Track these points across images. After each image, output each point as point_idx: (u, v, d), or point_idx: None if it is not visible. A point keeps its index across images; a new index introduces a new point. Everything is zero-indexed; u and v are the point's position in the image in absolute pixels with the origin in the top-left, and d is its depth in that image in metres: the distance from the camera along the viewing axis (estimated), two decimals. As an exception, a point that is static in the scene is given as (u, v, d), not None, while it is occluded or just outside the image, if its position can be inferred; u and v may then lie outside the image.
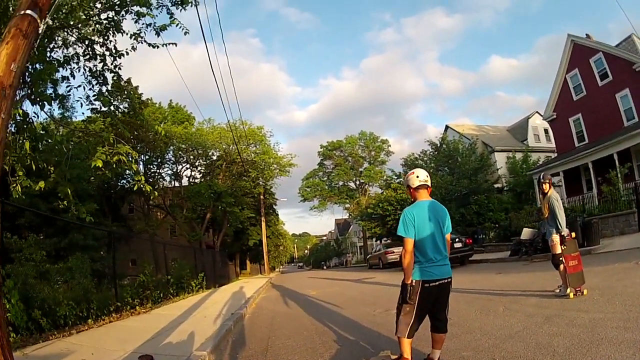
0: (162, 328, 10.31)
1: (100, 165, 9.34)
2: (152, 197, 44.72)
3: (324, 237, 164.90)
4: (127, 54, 11.53)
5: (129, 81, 38.38)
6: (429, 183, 5.77)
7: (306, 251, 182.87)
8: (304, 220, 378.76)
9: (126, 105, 34.21)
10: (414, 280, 5.31)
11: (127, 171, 41.67)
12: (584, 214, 22.85)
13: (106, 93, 12.07)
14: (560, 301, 9.31)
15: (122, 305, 13.39)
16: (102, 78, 11.87)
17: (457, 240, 25.01)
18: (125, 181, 43.34)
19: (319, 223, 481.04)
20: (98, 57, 11.49)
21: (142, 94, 40.04)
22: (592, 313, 7.71)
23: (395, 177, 51.50)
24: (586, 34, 36.31)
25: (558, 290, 10.09)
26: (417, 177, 5.72)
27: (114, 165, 10.34)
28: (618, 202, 23.60)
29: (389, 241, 44.69)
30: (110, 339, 9.24)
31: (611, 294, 9.05)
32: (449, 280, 5.48)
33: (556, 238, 10.07)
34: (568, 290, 9.68)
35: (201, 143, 45.59)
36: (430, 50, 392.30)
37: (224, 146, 46.66)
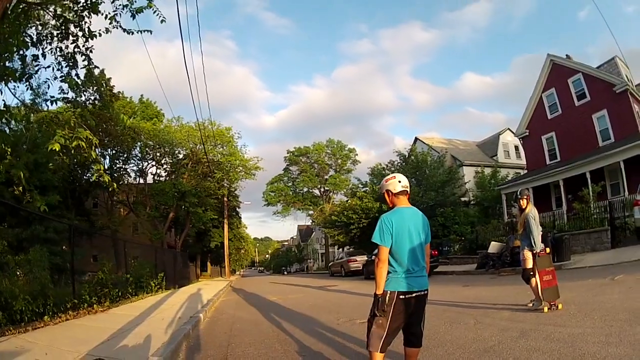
0: (118, 329, 9.77)
1: (57, 149, 8.77)
2: (115, 192, 44.05)
3: (286, 243, 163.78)
4: (100, 35, 11.05)
5: (102, 72, 37.97)
6: (409, 189, 5.35)
7: (267, 256, 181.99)
8: (267, 225, 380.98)
9: (97, 96, 33.76)
10: (388, 292, 4.86)
11: (91, 163, 41.68)
12: (554, 230, 22.75)
13: (75, 77, 11.39)
14: (535, 315, 8.96)
15: (79, 303, 12.84)
16: (72, 60, 11.33)
17: None
18: (89, 174, 42.42)
19: (282, 228, 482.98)
20: (71, 36, 10.96)
21: (114, 86, 39.47)
22: (571, 328, 7.39)
23: (362, 186, 51.18)
24: (566, 55, 36.76)
25: (531, 305, 9.85)
26: (400, 182, 5.27)
27: (73, 151, 9.68)
28: (590, 220, 23.52)
29: (351, 249, 44.71)
30: (66, 338, 8.71)
31: (588, 309, 8.67)
32: (426, 292, 5.07)
33: (528, 254, 9.90)
34: (542, 305, 9.44)
35: (168, 140, 44.89)
36: (404, 63, 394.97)
37: (191, 145, 46.09)
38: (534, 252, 9.74)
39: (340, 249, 54.52)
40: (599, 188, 26.14)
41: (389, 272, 4.92)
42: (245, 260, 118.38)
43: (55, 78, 11.04)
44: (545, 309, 9.22)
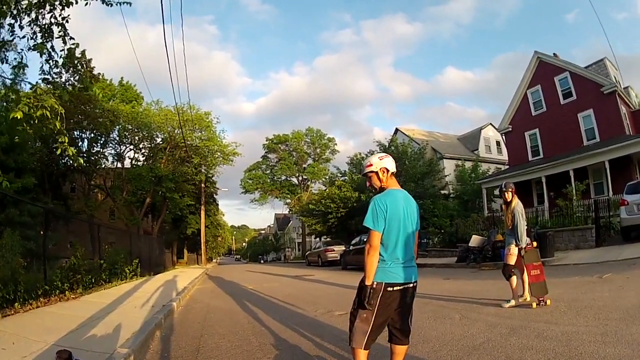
0: (88, 318, 9.46)
1: (20, 117, 8.26)
2: (92, 176, 44.25)
3: (263, 231, 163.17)
4: (77, 2, 10.59)
5: (83, 53, 37.47)
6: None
7: (244, 244, 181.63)
8: (244, 213, 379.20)
9: (77, 77, 33.06)
10: (375, 282, 4.34)
11: (56, 135, 41.23)
12: (537, 226, 22.30)
13: (50, 49, 10.93)
14: (523, 311, 8.64)
15: (50, 290, 12.45)
16: (48, 31, 10.80)
17: None
18: (68, 157, 41.90)
19: (259, 217, 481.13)
20: (48, 4, 10.49)
21: (94, 67, 39.47)
22: (563, 325, 7.06)
23: (340, 175, 50.94)
24: (554, 53, 36.64)
25: (506, 302, 9.44)
26: (393, 160, 4.86)
27: (36, 121, 9.20)
28: (573, 217, 23.36)
29: (329, 239, 44.28)
30: (35, 327, 8.47)
31: (579, 306, 8.37)
32: (415, 284, 4.59)
33: (514, 249, 9.52)
34: (529, 299, 9.35)
35: (146, 124, 44.12)
36: (386, 54, 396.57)
37: (169, 129, 45.34)
38: (520, 247, 9.39)
39: (318, 239, 54.10)
40: (583, 186, 26.15)
41: None
42: (222, 248, 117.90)
43: (30, 49, 10.52)
44: (534, 305, 8.94)
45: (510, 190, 9.70)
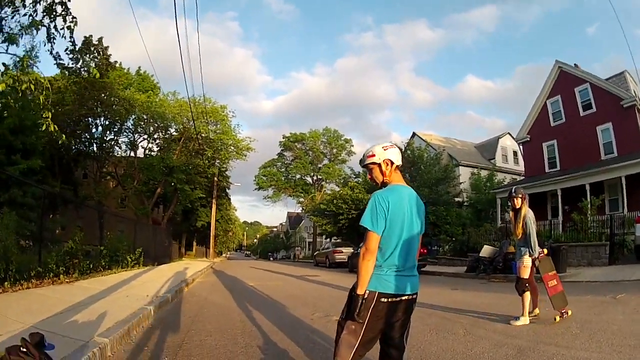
0: (76, 302, 9.38)
1: (3, 89, 7.98)
2: (104, 163, 44.80)
3: (275, 229, 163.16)
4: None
5: (100, 40, 37.51)
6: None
7: (255, 240, 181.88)
8: (257, 210, 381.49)
9: (93, 65, 32.94)
10: (367, 291, 3.75)
11: (81, 133, 41.08)
12: (551, 240, 21.95)
13: (54, 29, 10.76)
14: (532, 331, 8.02)
15: (45, 272, 12.54)
16: (50, 9, 10.63)
17: None
18: (80, 143, 42.92)
19: (272, 214, 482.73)
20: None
21: (110, 54, 39.57)
22: (575, 350, 6.49)
23: (354, 176, 50.86)
24: (574, 64, 35.98)
25: (515, 320, 8.77)
26: (399, 152, 4.24)
27: (20, 94, 8.98)
28: (587, 233, 22.79)
29: (339, 240, 43.83)
30: (19, 307, 8.52)
31: (593, 329, 7.79)
32: (414, 296, 3.98)
33: (528, 260, 8.94)
34: (535, 312, 9.07)
35: (161, 114, 44.07)
36: (407, 59, 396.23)
37: (184, 120, 45.28)
38: (534, 257, 8.86)
39: (328, 239, 53.58)
40: (599, 201, 25.45)
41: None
42: (233, 243, 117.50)
43: (30, 26, 10.36)
44: (557, 318, 8.55)
45: (520, 196, 9.11)
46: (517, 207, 9.10)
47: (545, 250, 9.33)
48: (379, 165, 4.09)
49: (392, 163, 4.09)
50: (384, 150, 4.13)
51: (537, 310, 9.11)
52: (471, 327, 8.57)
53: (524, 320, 8.60)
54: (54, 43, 11.55)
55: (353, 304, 3.77)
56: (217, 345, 7.17)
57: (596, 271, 18.12)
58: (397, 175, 4.13)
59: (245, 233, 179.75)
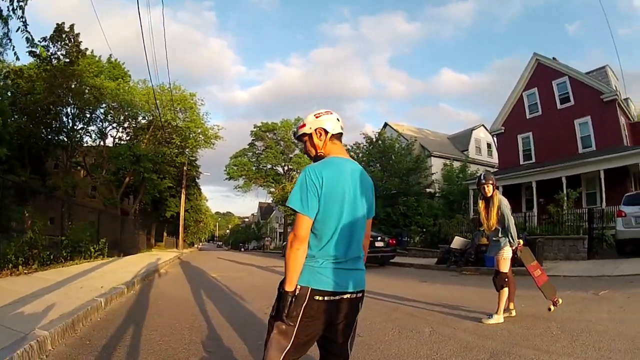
0: (29, 294, 9.18)
1: None
2: (74, 154, 44.19)
3: (247, 219, 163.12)
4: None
5: (71, 27, 36.86)
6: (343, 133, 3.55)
7: (228, 231, 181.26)
8: (230, 200, 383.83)
9: (63, 52, 32.48)
10: (299, 287, 3.02)
11: (51, 122, 40.33)
12: (526, 232, 21.21)
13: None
14: (507, 330, 7.11)
15: (3, 263, 12.48)
16: None
17: (379, 238, 23.10)
18: (50, 132, 42.49)
19: (244, 204, 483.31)
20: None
21: (81, 42, 38.96)
22: (557, 355, 5.65)
23: None
24: (553, 57, 35.77)
25: (487, 317, 7.89)
26: (338, 120, 3.47)
27: None
28: (564, 226, 22.28)
29: None
30: None
31: (575, 329, 6.87)
32: (359, 295, 3.25)
33: (508, 252, 8.02)
34: (510, 310, 8.18)
35: (130, 102, 43.79)
36: (383, 52, 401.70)
37: (152, 108, 44.54)
38: (515, 248, 7.99)
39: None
40: (576, 194, 24.90)
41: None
42: (204, 234, 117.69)
43: None
44: (552, 308, 8.04)
45: (491, 182, 8.18)
46: (489, 195, 8.22)
47: (521, 241, 8.40)
48: (310, 135, 3.47)
49: (326, 132, 3.41)
50: (316, 118, 3.47)
51: (512, 307, 8.22)
52: (438, 325, 7.72)
53: (498, 318, 7.71)
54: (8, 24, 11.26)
55: (282, 302, 3.03)
56: (160, 341, 6.70)
57: (574, 265, 17.43)
58: (335, 147, 3.44)
59: (217, 224, 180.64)
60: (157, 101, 40.60)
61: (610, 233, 20.66)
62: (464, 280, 15.76)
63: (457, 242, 21.15)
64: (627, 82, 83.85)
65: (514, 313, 8.12)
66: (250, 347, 6.33)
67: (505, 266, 7.99)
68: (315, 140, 3.41)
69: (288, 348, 3.04)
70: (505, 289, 7.90)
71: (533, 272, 8.16)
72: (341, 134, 3.48)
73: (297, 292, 2.99)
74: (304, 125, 3.49)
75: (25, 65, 37.69)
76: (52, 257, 15.77)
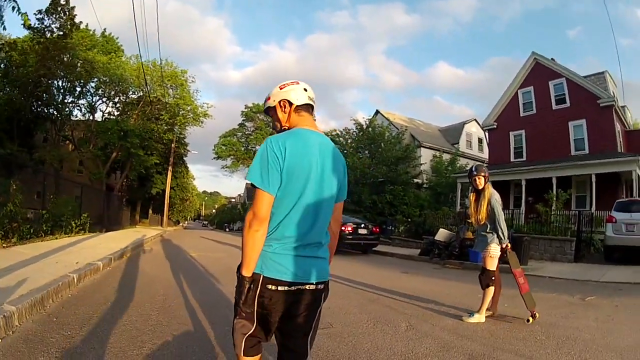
0: (2, 268, 8.97)
1: None
2: (63, 127, 44.33)
3: (233, 200, 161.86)
4: None
5: (67, 1, 36.64)
6: (314, 104, 3.21)
7: (214, 210, 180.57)
8: (218, 180, 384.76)
9: (57, 25, 32.29)
10: (254, 274, 2.73)
11: (42, 95, 39.94)
12: (512, 229, 20.79)
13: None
14: (488, 331, 6.72)
15: None
16: None
17: (362, 226, 22.97)
18: (41, 105, 42.01)
19: (231, 185, 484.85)
20: None
21: (75, 15, 38.97)
22: None
23: None
24: (552, 58, 35.32)
25: (469, 316, 7.46)
26: (305, 90, 3.13)
27: None
28: (551, 226, 21.99)
29: None
30: None
31: (561, 336, 6.43)
32: (321, 287, 2.91)
33: (496, 250, 7.57)
34: (493, 310, 7.78)
35: (120, 76, 43.30)
36: (379, 42, 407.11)
37: (143, 83, 43.74)
38: (504, 246, 7.53)
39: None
40: (566, 195, 24.57)
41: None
42: (189, 212, 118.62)
43: None
44: (531, 319, 7.21)
45: (482, 175, 7.74)
46: (480, 187, 7.76)
47: (509, 244, 7.86)
48: (274, 109, 3.14)
49: (291, 104, 3.08)
50: (280, 89, 3.15)
51: (494, 308, 7.83)
52: (416, 320, 7.35)
53: (479, 317, 7.30)
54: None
55: (239, 288, 2.76)
56: (126, 322, 6.44)
57: (560, 267, 17.07)
58: (302, 119, 3.09)
59: (204, 203, 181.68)
60: (148, 77, 40.54)
61: (598, 238, 20.45)
62: (446, 274, 15.33)
63: (442, 234, 20.75)
64: (624, 91, 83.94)
65: (496, 314, 7.74)
66: (217, 332, 6.10)
67: (492, 264, 7.57)
68: (279, 114, 3.11)
69: (250, 333, 2.84)
70: (491, 288, 7.50)
71: (518, 277, 7.66)
72: (310, 105, 3.15)
73: (251, 280, 2.71)
74: (269, 98, 3.17)
75: (19, 38, 37.89)
76: (32, 231, 15.70)
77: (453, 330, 6.72)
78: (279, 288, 2.71)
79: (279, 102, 3.08)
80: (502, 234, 7.48)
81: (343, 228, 21.46)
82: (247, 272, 2.68)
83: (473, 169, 7.91)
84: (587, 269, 16.10)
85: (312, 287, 2.81)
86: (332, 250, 3.11)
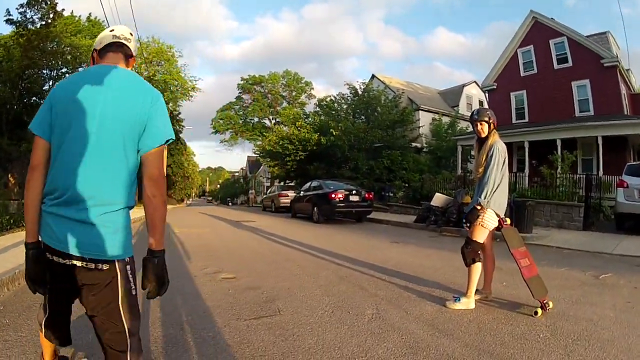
0: None
1: None
2: None
3: (237, 174, 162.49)
4: None
5: None
6: (131, 43, 2.81)
7: (218, 186, 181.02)
8: (221, 155, 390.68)
9: (39, 15, 31.90)
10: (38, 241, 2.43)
11: (31, 87, 39.30)
12: (515, 194, 19.69)
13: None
14: (475, 324, 5.11)
15: None
16: None
17: (354, 192, 21.89)
18: (29, 95, 40.81)
19: (235, 159, 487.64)
20: None
21: (57, 3, 37.63)
22: None
23: (304, 116, 48.24)
24: (551, 18, 33.81)
25: (454, 300, 5.88)
26: (112, 30, 2.80)
27: None
28: (557, 190, 20.51)
29: (292, 184, 41.93)
30: None
31: (570, 333, 4.77)
32: (93, 265, 2.37)
33: (491, 219, 5.80)
34: (485, 293, 6.19)
35: None
36: (377, 8, 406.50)
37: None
38: (501, 220, 5.83)
39: (282, 183, 51.31)
40: (572, 157, 22.85)
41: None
42: (192, 189, 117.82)
43: None
44: (539, 312, 5.42)
45: (486, 119, 6.05)
46: (483, 135, 6.07)
47: (509, 220, 6.08)
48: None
49: (95, 51, 2.82)
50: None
51: (488, 289, 6.20)
52: (388, 305, 5.92)
53: (467, 303, 5.73)
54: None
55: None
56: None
57: (569, 235, 15.58)
58: (105, 60, 2.72)
59: (208, 179, 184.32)
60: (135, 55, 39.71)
61: (608, 204, 19.40)
62: (441, 243, 13.83)
63: (438, 199, 19.42)
64: (629, 59, 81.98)
65: (490, 297, 6.15)
66: (164, 311, 5.57)
67: (481, 236, 5.85)
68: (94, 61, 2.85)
69: (46, 317, 2.77)
70: (478, 265, 5.85)
71: (520, 259, 5.75)
72: (117, 43, 2.76)
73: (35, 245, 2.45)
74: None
75: (4, 35, 38.32)
76: (12, 221, 15.34)
77: (430, 320, 5.23)
78: (55, 258, 2.36)
79: (92, 56, 2.87)
80: (487, 190, 5.72)
81: (333, 195, 20.82)
82: (27, 237, 2.45)
83: (474, 113, 6.23)
84: (597, 239, 14.53)
85: (80, 263, 2.34)
86: (152, 221, 2.65)
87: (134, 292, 2.55)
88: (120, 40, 2.73)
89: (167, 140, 2.64)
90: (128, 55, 2.77)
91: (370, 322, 5.16)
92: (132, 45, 2.83)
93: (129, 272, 2.52)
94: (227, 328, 4.87)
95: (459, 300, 5.79)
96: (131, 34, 2.86)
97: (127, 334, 2.50)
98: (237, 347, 4.31)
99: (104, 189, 2.39)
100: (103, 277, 2.39)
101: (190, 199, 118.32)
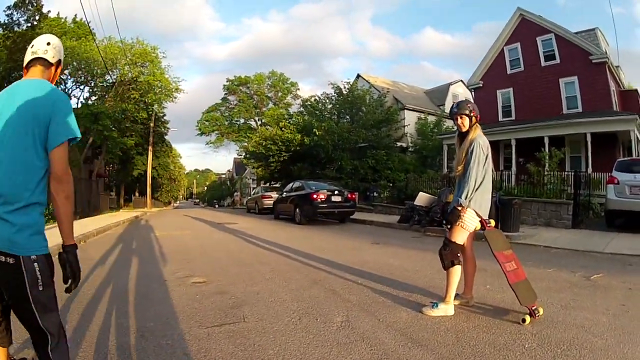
0: None
1: None
2: None
3: (223, 175, 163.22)
4: None
5: None
6: (52, 56, 3.05)
7: (205, 188, 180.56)
8: (209, 157, 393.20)
9: (25, 17, 31.68)
10: None
11: None
12: (501, 191, 19.45)
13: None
14: (453, 332, 4.65)
15: None
16: None
17: (336, 192, 21.46)
18: None
19: (222, 161, 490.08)
20: None
21: (43, 5, 38.97)
22: None
23: (288, 117, 48.24)
24: (539, 15, 33.47)
25: (431, 306, 5.40)
26: (32, 47, 3.06)
27: None
28: (544, 188, 20.29)
29: (276, 184, 41.59)
30: None
31: (559, 341, 4.34)
32: (13, 261, 2.53)
33: (471, 220, 5.34)
34: (466, 298, 5.72)
35: (86, 59, 43.12)
36: (365, 8, 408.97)
37: (110, 63, 44.04)
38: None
39: (267, 184, 50.98)
40: (561, 154, 22.44)
41: None
42: (178, 192, 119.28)
43: None
44: (527, 319, 4.93)
45: (466, 113, 5.56)
46: (464, 129, 5.61)
47: (493, 222, 5.60)
48: None
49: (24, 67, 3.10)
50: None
51: (469, 294, 5.72)
52: (359, 311, 5.50)
53: (445, 309, 5.25)
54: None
55: None
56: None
57: (557, 234, 15.21)
58: (28, 74, 3.02)
59: (195, 181, 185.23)
60: (118, 57, 41.75)
61: (598, 201, 19.33)
62: (424, 244, 13.39)
63: (422, 198, 19.12)
64: (619, 56, 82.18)
65: (471, 302, 5.67)
66: (115, 322, 5.28)
67: (460, 237, 5.39)
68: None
69: None
70: (458, 268, 5.36)
71: (504, 263, 5.26)
72: (33, 59, 3.02)
73: None
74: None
75: None
76: None
77: (404, 329, 4.76)
78: None
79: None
80: (468, 189, 5.25)
81: (315, 196, 20.44)
82: None
83: (454, 106, 5.73)
84: (587, 237, 14.17)
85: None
86: (57, 217, 2.77)
87: (41, 289, 2.59)
88: (37, 55, 2.99)
89: (71, 140, 2.74)
90: (47, 65, 3.01)
91: (339, 330, 4.77)
92: (51, 54, 3.04)
93: (37, 269, 2.58)
94: (188, 336, 4.66)
95: (437, 306, 5.31)
96: (49, 43, 3.09)
97: (46, 330, 2.60)
98: (194, 356, 4.11)
99: (10, 186, 2.54)
100: (11, 272, 2.51)
101: (178, 202, 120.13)
